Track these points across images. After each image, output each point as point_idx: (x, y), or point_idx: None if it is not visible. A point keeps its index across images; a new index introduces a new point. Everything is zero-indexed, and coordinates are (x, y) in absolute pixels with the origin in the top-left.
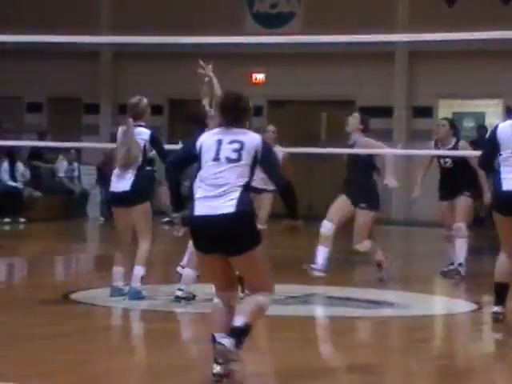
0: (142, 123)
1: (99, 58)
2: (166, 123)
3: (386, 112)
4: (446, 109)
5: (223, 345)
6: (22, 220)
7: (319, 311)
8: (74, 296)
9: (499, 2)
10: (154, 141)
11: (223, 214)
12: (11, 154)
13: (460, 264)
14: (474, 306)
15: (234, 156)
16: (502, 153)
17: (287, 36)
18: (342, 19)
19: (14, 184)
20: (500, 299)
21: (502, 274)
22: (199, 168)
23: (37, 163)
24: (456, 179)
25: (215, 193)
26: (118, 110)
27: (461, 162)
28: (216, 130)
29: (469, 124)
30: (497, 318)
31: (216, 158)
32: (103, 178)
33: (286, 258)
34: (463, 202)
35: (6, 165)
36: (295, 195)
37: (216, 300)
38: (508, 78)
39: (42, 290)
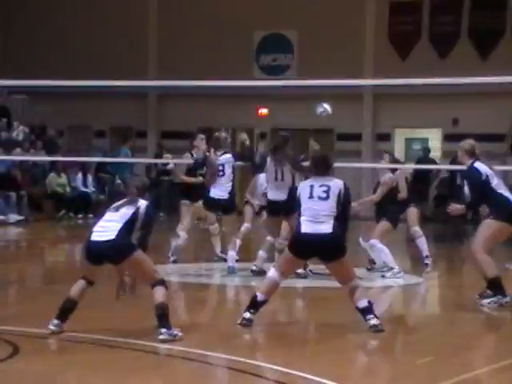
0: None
1: (147, 97)
2: None
3: (356, 137)
4: (400, 135)
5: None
6: (91, 216)
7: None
8: None
9: (437, 57)
10: None
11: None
12: (83, 168)
13: (427, 256)
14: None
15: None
16: (491, 182)
17: (284, 81)
18: (325, 69)
19: (85, 190)
20: (501, 289)
21: (491, 269)
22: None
23: (101, 175)
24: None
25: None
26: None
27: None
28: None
29: (417, 146)
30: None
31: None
32: None
33: None
34: (412, 211)
35: (80, 175)
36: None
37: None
38: (445, 114)
39: None
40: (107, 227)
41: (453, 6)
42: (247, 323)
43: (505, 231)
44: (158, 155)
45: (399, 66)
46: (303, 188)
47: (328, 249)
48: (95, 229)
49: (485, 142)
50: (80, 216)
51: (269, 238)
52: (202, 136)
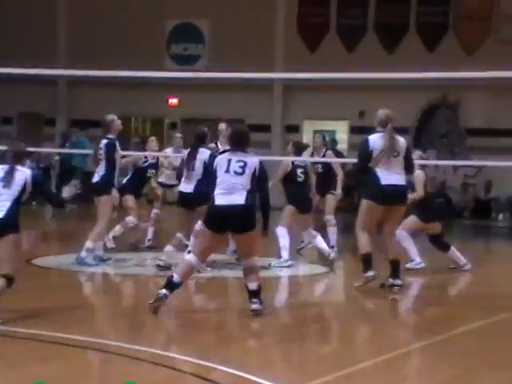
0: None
1: (57, 84)
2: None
3: (266, 128)
4: (309, 127)
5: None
6: None
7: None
8: None
9: (345, 50)
10: None
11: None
12: None
13: (332, 247)
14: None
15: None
16: (373, 156)
17: (195, 71)
18: (236, 60)
19: None
20: (370, 266)
21: (365, 246)
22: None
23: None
24: (325, 181)
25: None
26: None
27: (328, 168)
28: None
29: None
30: (373, 279)
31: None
32: None
33: None
34: (330, 199)
35: None
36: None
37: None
38: (352, 106)
39: None
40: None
41: (360, 0)
42: (162, 299)
43: (375, 210)
44: (62, 146)
45: (309, 58)
46: (220, 162)
47: (240, 220)
48: None
49: None
50: None
51: (178, 233)
52: (153, 138)
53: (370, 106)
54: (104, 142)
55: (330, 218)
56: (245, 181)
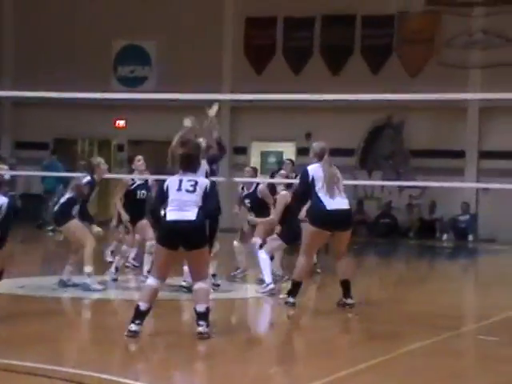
0: None
1: (1, 104)
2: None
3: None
4: (256, 148)
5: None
6: None
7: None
8: None
9: (291, 72)
10: None
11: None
12: None
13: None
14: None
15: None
16: (316, 185)
17: (142, 93)
18: (184, 81)
19: None
20: (296, 292)
21: (300, 273)
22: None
23: None
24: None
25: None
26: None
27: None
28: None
29: (272, 159)
30: (292, 305)
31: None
32: None
33: None
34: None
35: None
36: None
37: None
38: (299, 128)
39: None
40: None
41: (305, 23)
42: (134, 335)
43: (318, 235)
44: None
45: (256, 79)
46: (172, 182)
47: (191, 235)
48: None
49: (336, 157)
50: None
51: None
52: (139, 157)
53: (317, 128)
54: (87, 179)
55: (255, 240)
56: (196, 198)
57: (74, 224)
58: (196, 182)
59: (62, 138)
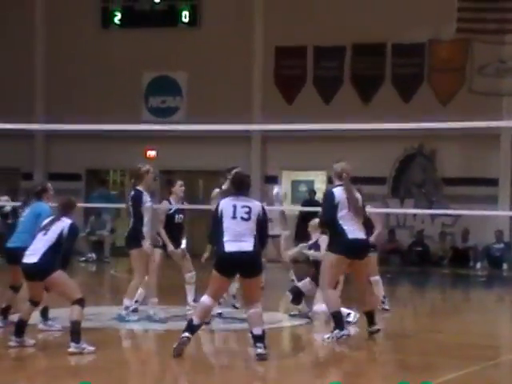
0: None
1: (34, 137)
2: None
3: None
4: (287, 177)
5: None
6: None
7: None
8: None
9: (322, 101)
10: None
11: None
12: None
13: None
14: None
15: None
16: (340, 211)
17: (172, 124)
18: (214, 111)
19: None
20: (341, 323)
21: (336, 303)
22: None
23: None
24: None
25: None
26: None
27: None
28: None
29: (303, 188)
30: (347, 337)
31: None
32: None
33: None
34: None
35: None
36: None
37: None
38: (330, 157)
39: None
40: (35, 250)
41: (336, 52)
42: (185, 342)
43: (341, 263)
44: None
45: (286, 109)
46: (226, 207)
47: (249, 265)
48: (27, 251)
49: (367, 185)
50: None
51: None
52: (181, 182)
53: (348, 156)
54: (131, 193)
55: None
56: (251, 226)
57: (140, 251)
58: (250, 209)
59: (93, 169)
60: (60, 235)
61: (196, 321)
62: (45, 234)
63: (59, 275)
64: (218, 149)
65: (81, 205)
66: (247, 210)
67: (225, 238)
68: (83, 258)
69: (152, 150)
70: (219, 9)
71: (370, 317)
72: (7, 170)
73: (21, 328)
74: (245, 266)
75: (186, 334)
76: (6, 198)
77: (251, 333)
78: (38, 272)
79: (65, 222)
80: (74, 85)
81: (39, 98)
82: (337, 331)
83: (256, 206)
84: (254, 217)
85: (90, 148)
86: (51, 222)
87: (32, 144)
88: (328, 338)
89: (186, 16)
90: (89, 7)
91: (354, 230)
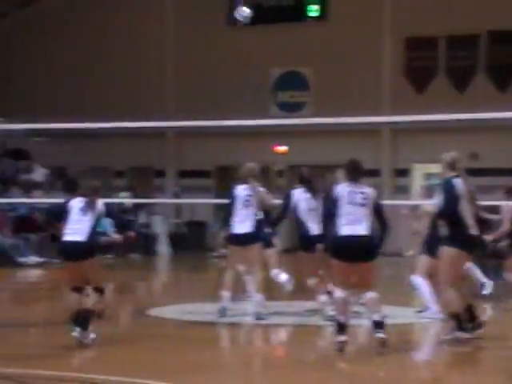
0: None
1: (165, 136)
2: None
3: (374, 173)
4: (419, 170)
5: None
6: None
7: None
8: None
9: (455, 91)
10: None
11: None
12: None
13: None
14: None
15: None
16: (460, 204)
17: (301, 118)
18: (342, 106)
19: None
20: (460, 324)
21: (456, 303)
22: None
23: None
24: None
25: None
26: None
27: None
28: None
29: (435, 181)
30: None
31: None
32: None
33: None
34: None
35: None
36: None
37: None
38: (463, 148)
39: None
40: (77, 229)
41: (469, 41)
42: (343, 345)
43: (463, 258)
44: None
45: (416, 101)
46: (343, 193)
47: (365, 249)
48: (67, 230)
49: (504, 177)
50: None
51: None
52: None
53: (482, 148)
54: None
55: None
56: (367, 211)
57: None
58: (367, 195)
59: (223, 166)
60: (98, 215)
61: (342, 318)
62: (84, 214)
63: (96, 259)
64: (346, 143)
65: (209, 200)
66: (364, 196)
67: (341, 222)
68: (216, 254)
69: (281, 145)
70: (347, 2)
71: (458, 320)
72: (140, 168)
73: (86, 320)
74: (360, 250)
75: (342, 338)
76: (126, 194)
77: (371, 319)
78: (85, 250)
79: (99, 203)
80: (203, 82)
81: (169, 97)
82: (459, 332)
83: (371, 191)
84: (370, 202)
85: (219, 145)
86: (88, 205)
87: (163, 142)
88: (448, 338)
89: (313, 10)
90: (217, 5)
91: (473, 225)
